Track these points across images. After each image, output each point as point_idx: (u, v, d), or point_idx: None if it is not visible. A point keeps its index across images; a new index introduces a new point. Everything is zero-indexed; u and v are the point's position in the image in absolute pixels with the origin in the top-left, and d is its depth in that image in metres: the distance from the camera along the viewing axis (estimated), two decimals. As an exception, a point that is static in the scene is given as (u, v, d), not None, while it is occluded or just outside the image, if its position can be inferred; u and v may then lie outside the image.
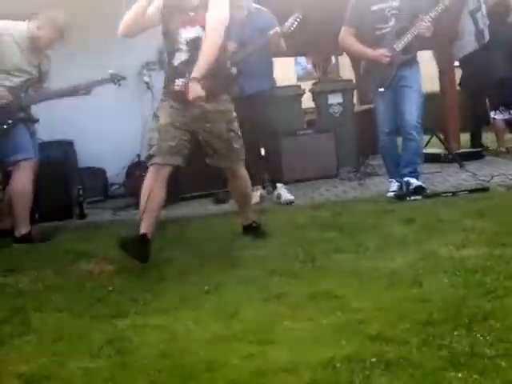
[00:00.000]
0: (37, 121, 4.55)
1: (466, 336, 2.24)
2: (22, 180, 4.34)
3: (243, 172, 3.90)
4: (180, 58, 3.57)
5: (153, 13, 3.60)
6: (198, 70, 3.44)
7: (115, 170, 6.16)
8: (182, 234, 4.30)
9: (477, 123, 7.64)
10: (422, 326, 2.35)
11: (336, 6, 5.23)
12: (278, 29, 4.80)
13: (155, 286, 3.22)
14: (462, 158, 6.23)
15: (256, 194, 5.20)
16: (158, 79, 6.31)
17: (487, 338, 2.20)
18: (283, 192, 5.11)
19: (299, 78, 18.04)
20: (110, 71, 4.56)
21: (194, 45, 3.53)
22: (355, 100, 7.63)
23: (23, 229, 4.37)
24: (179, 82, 3.55)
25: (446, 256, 3.22)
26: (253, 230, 4.06)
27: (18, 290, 3.31)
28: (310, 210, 4.64)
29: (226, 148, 3.71)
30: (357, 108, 7.66)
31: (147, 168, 3.65)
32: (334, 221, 4.22)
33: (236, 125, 3.74)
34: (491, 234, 3.51)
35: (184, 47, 3.56)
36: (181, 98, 3.53)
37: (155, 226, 3.61)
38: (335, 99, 6.76)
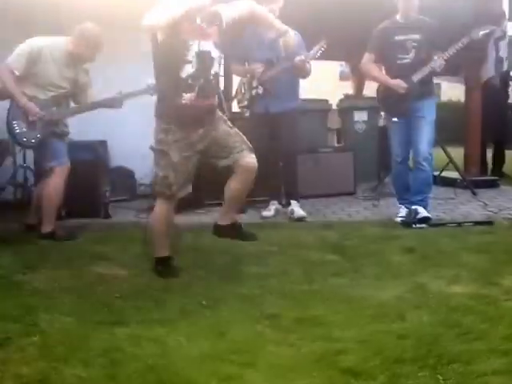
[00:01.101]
0: (67, 134, 4.79)
1: (429, 377, 2.40)
2: (55, 184, 4.66)
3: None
4: (188, 70, 3.49)
5: None
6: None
7: (144, 171, 6.39)
8: (194, 244, 4.48)
9: (497, 148, 7.76)
10: (391, 364, 2.51)
11: (374, 16, 5.34)
12: (303, 56, 4.98)
13: (159, 295, 3.43)
14: (476, 185, 6.32)
15: (271, 208, 5.41)
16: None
17: (448, 381, 2.36)
18: (296, 209, 5.30)
19: (341, 77, 18.11)
20: (149, 81, 4.58)
21: (204, 59, 3.49)
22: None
23: (48, 227, 4.68)
24: (187, 96, 3.51)
25: (435, 291, 3.38)
26: (235, 230, 3.81)
27: (33, 289, 3.54)
28: (318, 230, 4.81)
29: (241, 140, 3.64)
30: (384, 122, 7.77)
31: None
32: (339, 243, 4.39)
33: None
34: (483, 271, 3.65)
35: (194, 59, 3.49)
36: (186, 113, 3.51)
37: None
38: (360, 117, 6.92)
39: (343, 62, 15.50)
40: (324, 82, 16.47)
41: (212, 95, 3.64)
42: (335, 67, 17.49)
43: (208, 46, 3.52)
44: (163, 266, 3.79)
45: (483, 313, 3.01)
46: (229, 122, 3.74)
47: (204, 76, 3.53)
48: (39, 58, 4.50)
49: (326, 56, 5.57)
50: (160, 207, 3.74)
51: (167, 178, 3.59)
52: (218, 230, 3.84)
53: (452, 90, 13.42)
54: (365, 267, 3.84)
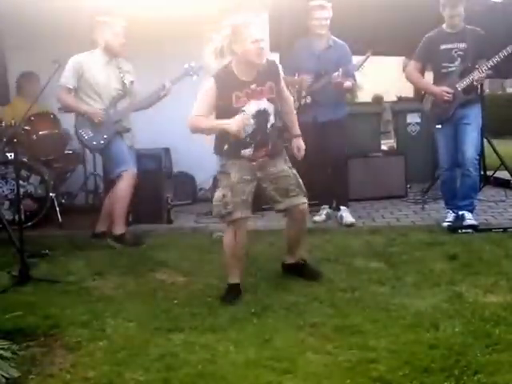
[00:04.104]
0: (129, 130, 5.19)
1: (453, 388, 2.60)
2: (124, 188, 5.06)
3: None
4: (248, 130, 3.73)
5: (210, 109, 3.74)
6: (297, 128, 4.03)
7: (204, 177, 6.73)
8: (248, 249, 4.72)
9: None
10: (419, 373, 2.71)
11: (434, 16, 5.44)
12: (339, 76, 5.18)
13: (213, 302, 3.71)
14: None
15: (322, 213, 5.63)
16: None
17: (471, 392, 2.56)
18: (345, 214, 5.50)
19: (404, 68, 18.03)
20: (185, 65, 5.01)
21: (262, 116, 3.74)
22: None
23: (119, 229, 5.09)
24: (246, 151, 3.78)
25: (471, 300, 3.53)
26: (299, 269, 4.11)
27: (101, 295, 3.91)
28: (366, 235, 5.01)
29: (296, 183, 3.89)
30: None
31: None
32: (384, 249, 4.58)
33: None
34: (522, 280, 3.76)
35: (251, 120, 3.72)
36: (248, 164, 3.80)
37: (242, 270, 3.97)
38: (413, 119, 7.03)
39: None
40: (387, 76, 16.49)
41: (269, 143, 3.83)
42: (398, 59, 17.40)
43: (263, 104, 3.75)
44: (230, 294, 3.79)
45: (513, 324, 3.16)
46: (289, 163, 3.94)
47: (261, 133, 3.78)
48: (82, 69, 5.02)
49: (388, 52, 5.63)
50: (228, 232, 3.85)
51: (224, 197, 3.76)
52: (285, 269, 4.19)
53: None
54: (407, 275, 4.01)
